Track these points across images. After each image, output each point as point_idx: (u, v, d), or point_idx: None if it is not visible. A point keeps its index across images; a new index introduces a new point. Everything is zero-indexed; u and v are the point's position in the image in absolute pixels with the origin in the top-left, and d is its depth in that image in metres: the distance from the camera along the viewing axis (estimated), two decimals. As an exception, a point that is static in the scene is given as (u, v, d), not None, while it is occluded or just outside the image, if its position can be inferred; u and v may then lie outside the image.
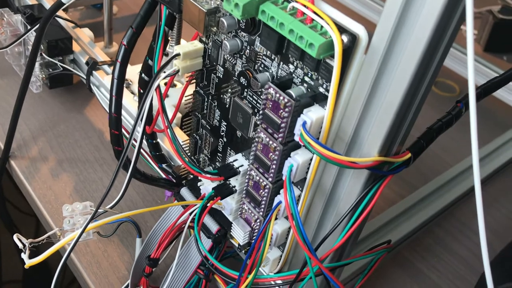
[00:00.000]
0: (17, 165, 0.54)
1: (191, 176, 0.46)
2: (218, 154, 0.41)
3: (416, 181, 0.57)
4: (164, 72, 0.35)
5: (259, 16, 0.29)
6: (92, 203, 0.43)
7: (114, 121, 0.38)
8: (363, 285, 0.44)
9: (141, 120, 0.36)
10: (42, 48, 0.57)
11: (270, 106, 0.30)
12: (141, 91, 0.42)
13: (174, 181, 0.47)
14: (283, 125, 0.29)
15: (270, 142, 0.31)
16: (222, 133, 0.39)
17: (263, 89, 0.32)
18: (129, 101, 0.52)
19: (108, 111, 0.56)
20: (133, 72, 0.56)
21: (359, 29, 0.26)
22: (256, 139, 0.32)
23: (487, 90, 0.37)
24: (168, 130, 0.37)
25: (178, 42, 0.53)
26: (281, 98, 0.29)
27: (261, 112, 0.30)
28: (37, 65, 0.58)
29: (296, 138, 0.29)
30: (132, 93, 0.54)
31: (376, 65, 0.27)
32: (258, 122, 0.31)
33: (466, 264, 0.52)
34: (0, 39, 0.63)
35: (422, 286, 0.49)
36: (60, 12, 0.65)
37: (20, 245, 0.39)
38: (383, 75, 0.27)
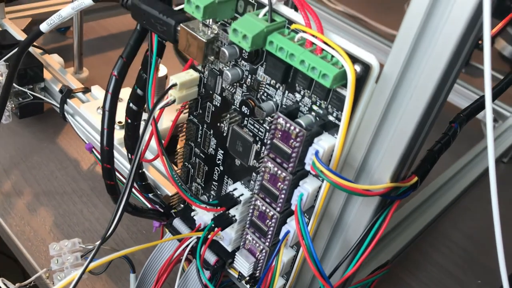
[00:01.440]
0: (-11, 202, 0.51)
1: (181, 205, 0.45)
2: (214, 182, 0.40)
3: (402, 200, 0.58)
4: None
5: (267, 47, 0.28)
6: (80, 240, 0.41)
7: (106, 155, 0.37)
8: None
9: (138, 154, 0.34)
10: (11, 76, 0.54)
11: (280, 136, 0.29)
12: (129, 120, 0.40)
13: (162, 211, 0.46)
14: (294, 155, 0.29)
15: (279, 172, 0.30)
16: (218, 162, 0.38)
17: (267, 118, 0.32)
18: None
19: (85, 140, 0.54)
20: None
21: (371, 59, 0.26)
22: (263, 169, 0.31)
23: (469, 116, 0.38)
24: (164, 158, 0.36)
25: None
26: (292, 128, 0.28)
27: (269, 142, 0.30)
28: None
29: (308, 167, 0.29)
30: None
31: (387, 93, 0.27)
32: (265, 152, 0.31)
33: (449, 274, 0.53)
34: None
35: (413, 301, 0.50)
36: (25, 37, 0.62)
37: (7, 291, 0.37)
38: (394, 104, 0.27)
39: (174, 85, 0.35)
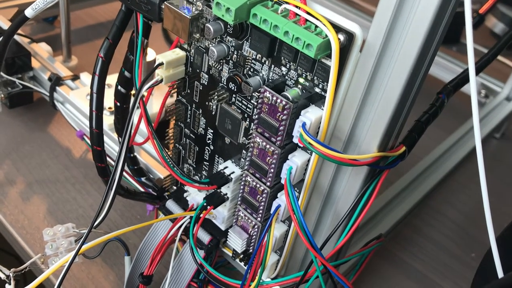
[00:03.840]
0: (-18, 192, 0.51)
1: (174, 188, 0.45)
2: (205, 162, 0.40)
3: (391, 176, 0.58)
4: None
5: (251, 20, 0.28)
6: (73, 224, 0.41)
7: (95, 137, 0.36)
8: (355, 281, 0.44)
9: (127, 136, 0.34)
10: (-1, 66, 0.54)
11: (267, 110, 0.29)
12: (118, 103, 0.40)
13: (155, 194, 0.46)
14: (281, 128, 0.29)
15: (267, 146, 0.31)
16: (208, 141, 0.38)
17: (255, 94, 0.32)
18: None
19: (76, 128, 0.54)
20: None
21: (354, 28, 0.26)
22: (252, 144, 0.31)
23: (456, 87, 0.38)
24: (154, 140, 0.36)
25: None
26: (279, 101, 0.28)
27: (256, 116, 0.30)
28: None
29: (296, 140, 0.29)
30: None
31: (372, 62, 0.27)
32: (253, 127, 0.31)
33: (443, 248, 0.54)
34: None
35: (407, 275, 0.50)
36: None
37: (2, 276, 0.37)
38: (379, 72, 0.27)
39: (161, 64, 0.34)
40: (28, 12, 0.41)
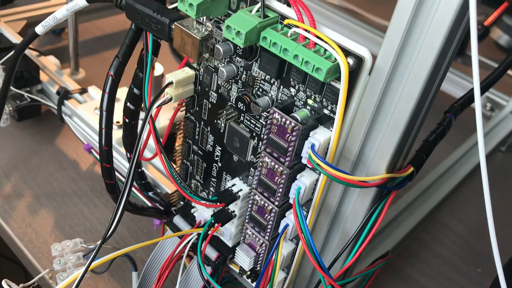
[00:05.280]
0: (-10, 205, 0.51)
1: (181, 203, 0.45)
2: (212, 179, 0.40)
3: (398, 191, 0.58)
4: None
5: (260, 43, 0.29)
6: (81, 240, 0.41)
7: (105, 154, 0.37)
8: (362, 297, 0.44)
9: (136, 155, 0.34)
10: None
11: (276, 130, 0.30)
12: (126, 120, 0.41)
13: (163, 209, 0.46)
14: (290, 149, 0.29)
15: (276, 166, 0.31)
16: (216, 158, 0.39)
17: (263, 114, 0.32)
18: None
19: (83, 141, 0.54)
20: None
21: (363, 52, 0.26)
22: (260, 164, 0.32)
23: (463, 106, 0.39)
24: (163, 156, 0.36)
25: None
26: (288, 122, 0.29)
27: (265, 137, 0.30)
28: (2, 97, 0.55)
29: (304, 160, 0.29)
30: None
31: (381, 85, 0.27)
32: (262, 147, 0.31)
33: (450, 263, 0.53)
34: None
35: (414, 291, 0.50)
36: (21, 40, 0.62)
37: (11, 292, 0.37)
38: (388, 95, 0.27)
39: (170, 83, 0.35)
40: (39, 30, 0.41)
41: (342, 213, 0.33)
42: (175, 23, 0.32)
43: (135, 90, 0.39)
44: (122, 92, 0.56)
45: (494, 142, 0.66)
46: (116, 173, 0.51)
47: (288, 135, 0.29)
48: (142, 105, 0.39)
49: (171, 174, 0.36)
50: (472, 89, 0.38)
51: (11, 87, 0.55)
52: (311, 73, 0.27)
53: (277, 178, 0.31)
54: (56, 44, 0.77)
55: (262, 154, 0.31)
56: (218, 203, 0.36)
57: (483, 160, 0.26)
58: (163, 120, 0.54)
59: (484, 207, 0.60)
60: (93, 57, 0.75)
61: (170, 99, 0.35)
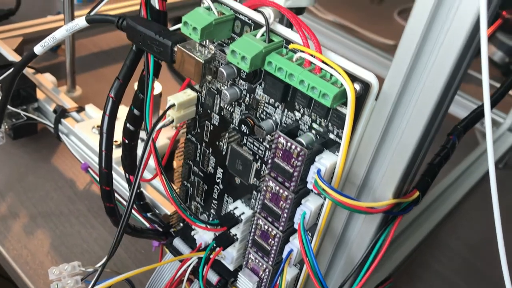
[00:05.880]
0: (-15, 226, 0.50)
1: (181, 224, 0.44)
2: (213, 201, 0.40)
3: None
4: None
5: (265, 67, 0.28)
6: (79, 263, 0.41)
7: (105, 177, 0.36)
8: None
9: (138, 178, 0.34)
10: (4, 98, 0.54)
11: (280, 155, 0.29)
12: (126, 140, 0.40)
13: (161, 230, 0.45)
14: (295, 173, 0.29)
15: (281, 191, 0.30)
16: (217, 180, 0.38)
17: (267, 137, 0.32)
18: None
19: (80, 160, 0.53)
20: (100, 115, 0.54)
21: (370, 77, 0.26)
22: (264, 188, 0.31)
23: (466, 127, 0.38)
24: (164, 178, 0.35)
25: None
26: (293, 147, 0.28)
27: (269, 161, 0.30)
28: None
29: (310, 186, 0.29)
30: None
31: (388, 110, 0.27)
32: (266, 171, 0.31)
33: (452, 285, 0.53)
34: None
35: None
36: (17, 57, 0.62)
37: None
38: (395, 120, 0.27)
39: (172, 105, 0.34)
40: (37, 50, 0.41)
41: (347, 237, 0.32)
42: (177, 45, 0.32)
43: (135, 111, 0.38)
44: (121, 111, 0.55)
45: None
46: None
47: (293, 159, 0.29)
48: (143, 125, 0.39)
49: (172, 196, 0.35)
50: (474, 111, 0.38)
51: (7, 106, 0.54)
52: (317, 99, 0.27)
53: (281, 203, 0.31)
54: (52, 61, 0.76)
55: (267, 178, 0.31)
56: (220, 227, 0.35)
57: (493, 178, 0.25)
58: (162, 139, 0.54)
59: (483, 225, 0.60)
60: (90, 73, 0.75)
61: (172, 121, 0.35)
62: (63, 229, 0.51)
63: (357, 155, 0.29)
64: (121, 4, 0.79)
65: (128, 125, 0.39)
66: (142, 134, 0.44)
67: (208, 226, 0.35)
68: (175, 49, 0.32)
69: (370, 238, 0.31)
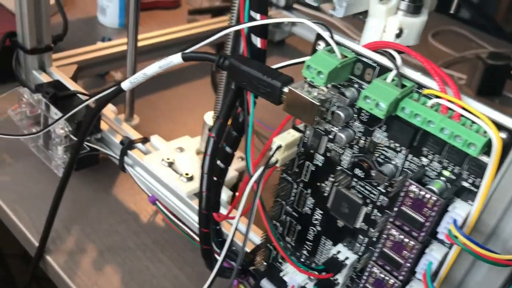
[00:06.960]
0: (54, 261, 0.49)
1: (264, 263, 0.43)
2: (307, 242, 0.38)
3: None
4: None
5: (398, 113, 0.27)
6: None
7: (204, 219, 0.35)
8: None
9: (238, 220, 0.33)
10: (69, 129, 0.53)
11: (410, 204, 0.28)
12: (214, 178, 0.39)
13: (241, 268, 0.44)
14: (427, 224, 0.28)
15: (406, 240, 0.29)
16: (315, 222, 0.37)
17: (387, 183, 0.31)
18: (173, 180, 0.49)
19: (148, 192, 0.52)
20: (171, 148, 0.53)
21: (515, 126, 0.25)
22: (385, 236, 0.30)
23: None
24: (267, 222, 0.34)
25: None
26: (428, 196, 0.27)
27: (396, 209, 0.29)
28: (60, 148, 0.54)
29: (441, 236, 0.28)
30: (176, 171, 0.51)
31: (532, 160, 0.26)
32: (390, 219, 0.29)
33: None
34: (14, 119, 0.59)
35: None
36: (75, 86, 0.61)
37: None
38: (537, 169, 0.26)
39: (279, 147, 0.33)
40: (125, 85, 0.40)
41: (467, 286, 0.31)
42: (289, 87, 0.31)
43: (228, 149, 0.38)
44: (185, 141, 0.55)
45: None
46: (183, 226, 0.49)
47: (426, 209, 0.27)
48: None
49: (276, 239, 0.34)
50: None
51: (72, 137, 0.53)
52: (461, 148, 0.25)
53: (405, 252, 0.29)
54: (100, 87, 0.76)
55: (388, 226, 0.29)
56: (327, 273, 0.34)
57: None
58: (231, 171, 0.52)
59: None
60: (140, 101, 0.74)
61: (276, 162, 0.34)
62: (131, 265, 0.50)
63: (490, 204, 0.28)
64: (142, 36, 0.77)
65: (218, 162, 0.38)
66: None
67: (315, 273, 0.34)
68: (285, 90, 0.32)
69: (496, 288, 0.29)
